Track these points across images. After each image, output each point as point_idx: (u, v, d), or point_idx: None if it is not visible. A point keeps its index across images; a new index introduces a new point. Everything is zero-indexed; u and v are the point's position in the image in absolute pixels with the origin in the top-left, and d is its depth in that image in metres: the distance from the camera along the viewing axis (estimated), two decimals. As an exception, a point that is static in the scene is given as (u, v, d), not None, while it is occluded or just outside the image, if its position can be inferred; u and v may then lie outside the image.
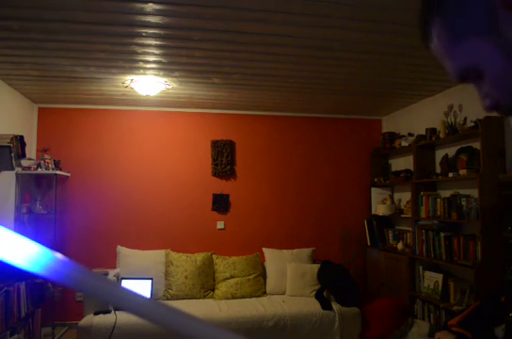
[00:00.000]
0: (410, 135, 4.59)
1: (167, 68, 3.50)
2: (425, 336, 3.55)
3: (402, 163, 4.88)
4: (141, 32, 2.77)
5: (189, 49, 3.08)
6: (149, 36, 2.83)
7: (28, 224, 4.20)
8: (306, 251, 4.68)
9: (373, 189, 5.14)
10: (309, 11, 2.48)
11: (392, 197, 5.04)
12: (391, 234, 4.90)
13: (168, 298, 4.18)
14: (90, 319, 3.59)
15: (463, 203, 3.55)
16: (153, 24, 2.65)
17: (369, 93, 4.33)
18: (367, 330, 3.93)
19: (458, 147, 3.81)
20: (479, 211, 3.27)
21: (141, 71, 3.56)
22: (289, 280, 4.41)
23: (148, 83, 3.81)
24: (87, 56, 3.20)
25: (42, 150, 4.36)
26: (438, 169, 4.11)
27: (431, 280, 3.84)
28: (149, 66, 3.45)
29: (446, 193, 3.92)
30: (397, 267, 4.32)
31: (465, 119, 3.69)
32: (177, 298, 4.16)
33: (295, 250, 4.68)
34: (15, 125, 4.11)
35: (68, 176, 4.55)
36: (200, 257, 4.42)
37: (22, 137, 3.84)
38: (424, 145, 4.18)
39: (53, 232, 4.13)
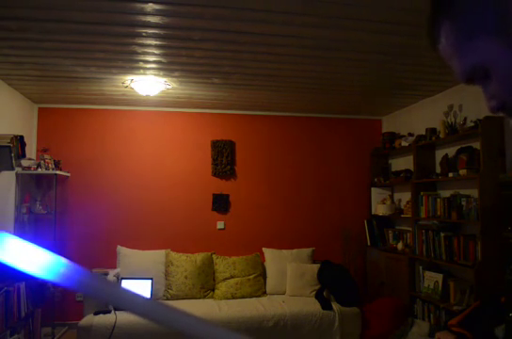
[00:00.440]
0: (410, 135, 4.59)
1: (167, 68, 3.50)
2: (425, 336, 3.55)
3: (402, 163, 4.88)
4: (141, 32, 2.77)
5: (189, 49, 3.08)
6: (149, 36, 2.83)
7: (28, 224, 4.20)
8: (306, 251, 4.68)
9: (373, 189, 5.14)
10: (309, 11, 2.48)
11: (392, 197, 5.04)
12: (391, 234, 4.90)
13: (167, 298, 4.18)
14: (90, 319, 3.59)
15: (463, 203, 3.55)
16: (153, 24, 2.65)
17: (369, 93, 4.33)
18: (367, 331, 3.93)
19: (458, 147, 3.81)
20: (479, 211, 3.27)
21: (141, 71, 3.56)
22: (289, 280, 4.41)
23: (148, 83, 3.81)
24: (87, 56, 3.20)
25: (42, 150, 4.36)
26: (438, 169, 4.11)
27: (431, 280, 3.84)
28: (149, 66, 3.45)
29: (446, 193, 3.92)
30: (397, 267, 4.32)
31: (465, 119, 3.69)
32: (177, 298, 4.16)
33: (295, 250, 4.68)
34: (15, 125, 4.11)
35: (68, 176, 4.55)
36: (199, 257, 4.42)
37: (22, 137, 3.84)
38: (424, 145, 4.18)
39: (53, 232, 4.13)
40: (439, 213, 3.83)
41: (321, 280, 4.30)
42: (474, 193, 3.44)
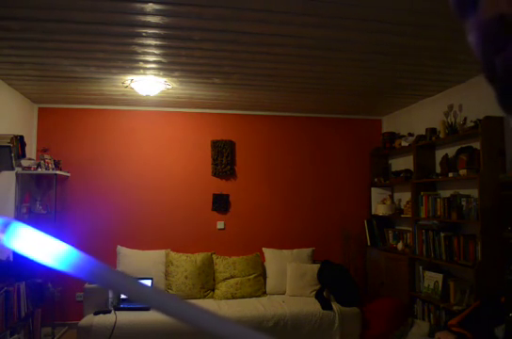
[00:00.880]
0: (410, 135, 4.59)
1: (167, 68, 3.50)
2: (425, 336, 3.55)
3: (402, 163, 4.88)
4: (141, 32, 2.77)
5: (189, 49, 3.08)
6: (149, 36, 2.83)
7: (28, 224, 4.19)
8: (306, 251, 4.68)
9: (373, 189, 5.14)
10: (309, 11, 2.48)
11: (392, 197, 5.04)
12: (391, 234, 4.90)
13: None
14: (90, 319, 3.59)
15: (463, 203, 3.55)
16: (153, 24, 2.65)
17: (369, 93, 4.33)
18: (367, 331, 3.93)
19: (458, 147, 3.81)
20: (479, 211, 3.27)
21: (141, 71, 3.56)
22: (289, 280, 4.41)
23: (148, 83, 3.81)
24: (87, 56, 3.20)
25: (42, 150, 4.36)
26: (438, 169, 4.11)
27: (431, 280, 3.84)
28: (149, 66, 3.45)
29: (446, 193, 3.92)
30: (397, 267, 4.31)
31: (465, 119, 3.69)
32: (177, 298, 4.15)
33: (295, 250, 4.68)
34: (15, 125, 4.11)
35: (68, 176, 4.55)
36: (200, 257, 4.42)
37: (22, 137, 3.84)
38: (424, 145, 4.18)
39: (53, 232, 4.13)
40: (439, 213, 3.83)
41: (321, 280, 4.30)
42: (474, 193, 3.43)
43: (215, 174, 4.92)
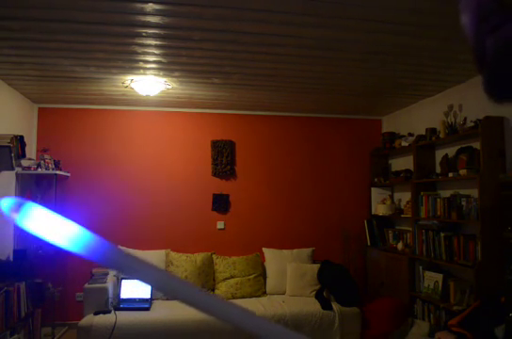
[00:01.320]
0: (410, 135, 4.59)
1: (167, 68, 3.50)
2: (425, 336, 3.55)
3: (402, 163, 4.88)
4: (141, 32, 2.77)
5: (189, 49, 3.08)
6: (149, 36, 2.83)
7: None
8: (306, 251, 4.68)
9: (373, 189, 5.14)
10: (309, 11, 2.48)
11: (392, 197, 5.04)
12: (391, 234, 4.90)
13: (168, 298, 4.18)
14: (90, 319, 3.59)
15: (463, 203, 3.55)
16: (153, 24, 2.65)
17: (369, 93, 4.33)
18: (367, 330, 3.93)
19: (458, 147, 3.81)
20: (479, 211, 3.27)
21: (141, 71, 3.56)
22: (289, 280, 4.41)
23: (148, 83, 3.81)
24: (87, 56, 3.20)
25: (42, 150, 4.36)
26: (438, 169, 4.11)
27: (431, 280, 3.84)
28: (149, 66, 3.45)
29: (446, 193, 3.92)
30: (397, 267, 4.31)
31: (465, 119, 3.69)
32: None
33: (295, 250, 4.68)
34: (15, 125, 4.11)
35: (68, 176, 4.55)
36: (200, 257, 4.42)
37: (22, 137, 3.84)
38: (424, 145, 4.18)
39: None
40: (439, 213, 3.83)
41: (321, 280, 4.30)
42: (474, 193, 3.44)
43: (215, 174, 4.92)
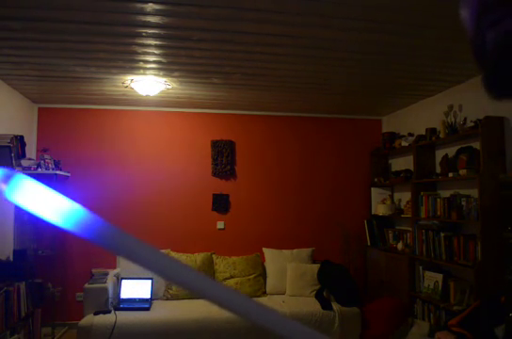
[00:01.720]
0: (410, 135, 4.59)
1: (167, 68, 3.50)
2: (425, 336, 3.55)
3: (402, 163, 4.88)
4: (141, 32, 2.77)
5: (189, 49, 3.08)
6: (149, 36, 2.83)
7: (28, 224, 4.20)
8: (306, 251, 4.68)
9: (373, 189, 5.14)
10: (309, 11, 2.48)
11: (392, 197, 5.04)
12: (391, 234, 4.90)
13: (168, 298, 4.18)
14: (90, 319, 3.59)
15: (463, 203, 3.55)
16: (153, 24, 2.65)
17: (369, 93, 4.33)
18: (367, 331, 3.93)
19: (458, 147, 3.81)
20: (479, 211, 3.27)
21: (141, 71, 3.56)
22: (289, 280, 4.41)
23: (148, 83, 3.81)
24: (87, 56, 3.20)
25: (42, 150, 4.36)
26: (438, 169, 4.11)
27: (431, 280, 3.84)
28: (149, 66, 3.45)
29: (446, 193, 3.92)
30: (397, 267, 4.31)
31: (465, 119, 3.69)
32: (177, 298, 4.16)
33: (295, 250, 4.68)
34: (15, 125, 4.11)
35: (68, 176, 4.55)
36: (199, 257, 4.42)
37: (22, 137, 3.84)
38: (424, 145, 4.18)
39: (53, 232, 4.13)
40: (439, 213, 3.83)
41: (321, 280, 4.30)
42: (474, 193, 3.43)
43: (215, 174, 4.92)
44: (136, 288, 4.07)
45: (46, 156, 4.20)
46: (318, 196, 5.14)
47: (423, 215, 4.08)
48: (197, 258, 4.40)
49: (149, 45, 3.00)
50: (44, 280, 3.97)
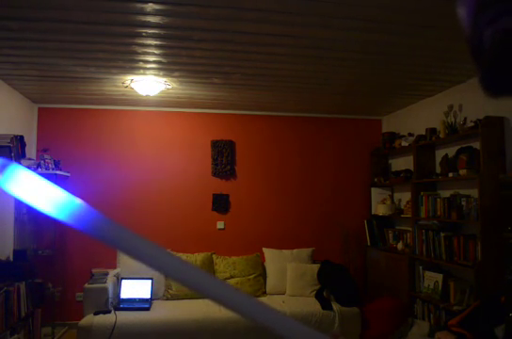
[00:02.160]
0: (410, 135, 4.59)
1: (167, 68, 3.50)
2: (425, 336, 3.55)
3: (402, 163, 4.88)
4: (141, 32, 2.77)
5: (189, 49, 3.08)
6: (149, 36, 2.83)
7: (28, 224, 4.20)
8: (306, 251, 4.68)
9: (373, 189, 5.14)
10: (309, 11, 2.48)
11: (392, 197, 5.04)
12: (391, 234, 4.90)
13: (168, 298, 4.18)
14: (90, 319, 3.59)
15: (463, 203, 3.55)
16: (153, 24, 2.65)
17: (369, 93, 4.33)
18: (367, 331, 3.93)
19: (458, 147, 3.81)
20: (479, 211, 3.27)
21: (141, 71, 3.56)
22: (289, 280, 4.41)
23: (148, 83, 3.81)
24: (87, 56, 3.20)
25: (42, 150, 4.36)
26: (438, 169, 4.11)
27: (431, 280, 3.84)
28: (149, 66, 3.45)
29: (446, 193, 3.92)
30: (397, 267, 4.31)
31: (465, 119, 3.69)
32: (177, 298, 4.16)
33: (295, 250, 4.68)
34: (15, 125, 4.11)
35: (68, 176, 4.55)
36: (200, 257, 4.42)
37: (22, 137, 3.84)
38: (424, 145, 4.18)
39: (53, 232, 4.13)
40: (439, 213, 3.83)
41: (321, 280, 4.30)
42: (474, 193, 3.43)
43: (215, 174, 4.92)
44: (136, 288, 4.07)
45: (46, 156, 4.20)
46: (318, 196, 5.14)
47: (423, 215, 4.08)
48: (197, 258, 4.40)
49: (149, 45, 3.00)
50: (44, 280, 3.97)
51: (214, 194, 4.90)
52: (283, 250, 4.68)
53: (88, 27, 2.68)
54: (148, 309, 3.84)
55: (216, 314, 3.73)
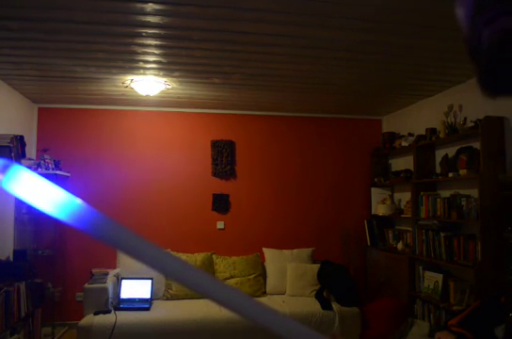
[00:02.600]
0: (410, 135, 4.59)
1: (167, 68, 3.50)
2: (425, 336, 3.55)
3: (402, 163, 4.88)
4: (141, 32, 2.77)
5: (189, 49, 3.08)
6: (149, 36, 2.83)
7: (28, 224, 4.20)
8: (306, 251, 4.68)
9: (373, 189, 5.14)
10: (309, 11, 2.48)
11: (392, 197, 5.04)
12: (391, 234, 4.90)
13: (168, 298, 4.18)
14: (90, 319, 3.59)
15: (463, 203, 3.55)
16: (153, 24, 2.65)
17: (369, 93, 4.33)
18: (367, 331, 3.93)
19: (458, 147, 3.81)
20: (479, 211, 3.27)
21: (141, 71, 3.56)
22: (289, 280, 4.41)
23: (148, 83, 3.81)
24: (87, 56, 3.20)
25: (42, 150, 4.36)
26: (438, 169, 4.11)
27: (431, 280, 3.84)
28: (149, 66, 3.45)
29: (446, 193, 3.92)
30: (397, 267, 4.31)
31: (465, 119, 3.69)
32: (177, 298, 4.16)
33: (295, 250, 4.68)
34: (15, 125, 4.11)
35: (68, 176, 4.55)
36: (200, 257, 4.42)
37: (22, 137, 3.84)
38: (424, 145, 4.18)
39: (53, 232, 4.13)
40: (439, 213, 3.83)
41: (321, 280, 4.30)
42: (474, 193, 3.43)
43: (215, 174, 4.92)
44: (135, 288, 4.07)
45: (46, 156, 4.20)
46: (318, 196, 5.14)
47: (423, 215, 4.08)
48: (197, 258, 4.40)
49: (149, 45, 3.00)
50: (44, 280, 3.97)
51: (214, 194, 4.90)
52: (283, 250, 4.68)
53: (88, 27, 2.69)
54: (148, 309, 3.84)
55: (215, 315, 3.73)
